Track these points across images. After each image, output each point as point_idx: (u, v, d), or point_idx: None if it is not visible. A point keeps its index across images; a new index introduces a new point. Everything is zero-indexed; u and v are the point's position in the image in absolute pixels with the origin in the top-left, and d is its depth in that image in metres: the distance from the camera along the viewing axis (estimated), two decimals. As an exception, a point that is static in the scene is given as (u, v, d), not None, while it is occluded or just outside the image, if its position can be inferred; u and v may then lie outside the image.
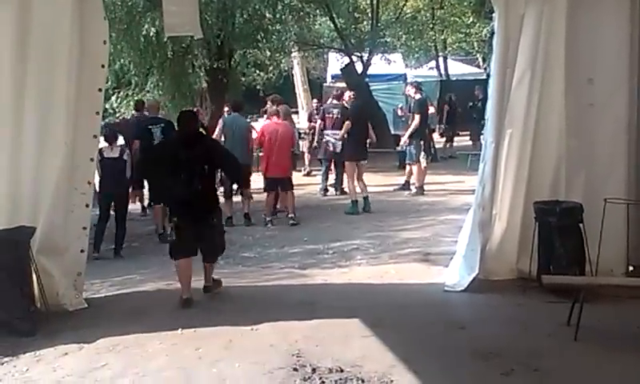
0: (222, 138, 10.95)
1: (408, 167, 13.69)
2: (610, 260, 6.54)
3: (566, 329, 5.59)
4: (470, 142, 18.78)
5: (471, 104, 18.91)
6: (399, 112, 15.55)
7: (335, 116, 12.69)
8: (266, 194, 11.36)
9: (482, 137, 17.11)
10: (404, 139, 13.17)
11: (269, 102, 13.18)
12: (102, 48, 6.60)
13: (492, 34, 7.38)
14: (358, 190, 11.82)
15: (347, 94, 13.56)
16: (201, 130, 8.31)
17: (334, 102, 13.39)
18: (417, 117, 13.02)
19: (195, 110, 13.13)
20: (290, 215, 11.13)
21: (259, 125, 17.60)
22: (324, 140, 13.08)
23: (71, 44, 6.30)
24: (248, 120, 12.40)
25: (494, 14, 7.12)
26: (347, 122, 11.96)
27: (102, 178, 9.36)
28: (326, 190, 13.66)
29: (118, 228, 9.59)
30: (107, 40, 6.64)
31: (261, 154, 11.47)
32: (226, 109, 14.26)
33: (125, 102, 18.71)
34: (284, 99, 13.44)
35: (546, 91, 6.83)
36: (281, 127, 11.41)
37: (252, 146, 11.63)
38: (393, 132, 20.02)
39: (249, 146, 11.31)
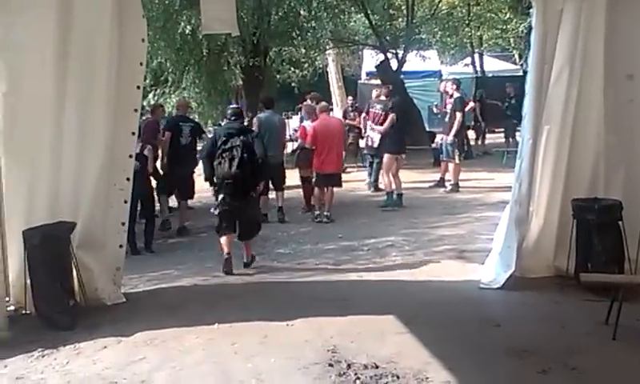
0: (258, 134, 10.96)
1: (443, 164, 13.64)
2: (649, 258, 6.42)
3: (604, 327, 5.52)
4: (504, 140, 18.62)
5: (506, 101, 18.70)
6: (435, 110, 15.45)
7: (378, 111, 12.64)
8: (313, 190, 11.37)
9: (516, 134, 17.17)
10: (450, 137, 13.06)
11: (308, 100, 13.23)
12: (141, 46, 6.70)
13: (529, 29, 7.30)
14: (393, 185, 11.84)
15: (383, 90, 13.55)
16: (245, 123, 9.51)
17: (381, 98, 13.30)
18: (458, 114, 13.02)
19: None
20: (326, 213, 11.16)
21: (294, 122, 17.84)
22: (368, 135, 13.03)
23: (111, 42, 6.40)
24: (282, 117, 12.40)
25: (531, 10, 7.04)
26: (392, 116, 11.98)
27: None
28: (376, 183, 13.44)
29: (147, 224, 9.68)
30: (145, 38, 6.74)
31: (313, 149, 11.20)
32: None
33: (162, 99, 18.92)
34: (322, 96, 13.42)
35: (585, 87, 6.74)
36: (332, 122, 11.59)
37: (285, 143, 11.70)
38: (427, 129, 19.97)
39: (283, 143, 11.33)
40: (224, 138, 7.98)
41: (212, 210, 8.25)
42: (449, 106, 13.40)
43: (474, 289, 6.88)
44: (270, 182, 10.71)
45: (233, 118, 8.46)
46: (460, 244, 9.04)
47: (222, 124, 11.34)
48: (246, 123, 9.90)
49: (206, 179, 8.42)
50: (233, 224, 8.08)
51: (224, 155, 7.84)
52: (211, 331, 5.82)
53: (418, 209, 11.71)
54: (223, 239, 8.05)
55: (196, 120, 11.46)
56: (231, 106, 9.94)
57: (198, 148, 11.03)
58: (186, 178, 10.80)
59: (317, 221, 11.04)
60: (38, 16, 6.23)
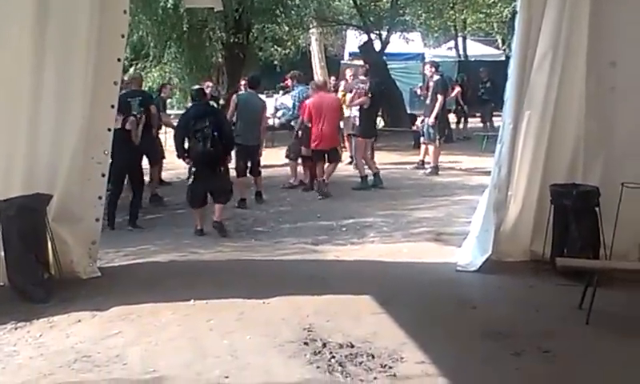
0: (235, 117, 10.66)
1: (423, 146, 13.67)
2: (624, 245, 6.49)
3: (577, 312, 5.58)
4: (481, 124, 18.72)
5: (481, 86, 18.80)
6: (418, 91, 15.44)
7: (361, 91, 12.61)
8: (308, 166, 11.51)
9: (492, 118, 17.25)
10: (431, 120, 13.07)
11: (288, 80, 13.19)
12: (123, 17, 6.60)
13: (513, 14, 7.32)
14: (366, 169, 11.91)
15: (360, 69, 13.58)
16: (211, 102, 10.48)
17: (362, 77, 13.25)
18: (440, 97, 13.04)
19: (205, 85, 13.41)
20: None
21: (274, 101, 17.73)
22: (351, 115, 13.01)
23: (91, 12, 6.29)
24: (263, 98, 12.23)
25: (516, -6, 7.03)
26: (366, 98, 11.97)
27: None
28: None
29: (134, 197, 9.55)
30: (127, 10, 6.64)
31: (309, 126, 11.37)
32: (242, 83, 14.30)
33: (142, 73, 18.72)
34: (302, 74, 13.36)
35: (567, 73, 6.74)
36: (326, 99, 11.59)
37: (265, 126, 11.49)
38: (409, 111, 19.97)
39: (261, 126, 11.05)
40: (193, 120, 8.80)
41: (191, 185, 8.91)
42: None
43: (451, 271, 6.91)
44: (249, 166, 10.66)
45: (197, 99, 9.32)
46: (438, 226, 9.08)
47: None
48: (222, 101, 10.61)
49: (178, 156, 9.17)
50: (204, 197, 8.89)
51: (197, 135, 8.63)
52: (187, 307, 5.80)
53: (398, 190, 11.74)
54: (197, 211, 8.92)
55: (148, 93, 11.20)
56: (194, 88, 10.37)
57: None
58: (148, 146, 10.64)
59: (319, 198, 11.07)
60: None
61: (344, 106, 12.59)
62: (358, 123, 12.32)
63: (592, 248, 6.43)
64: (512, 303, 5.99)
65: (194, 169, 8.86)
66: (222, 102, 14.95)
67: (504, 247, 6.96)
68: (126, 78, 12.16)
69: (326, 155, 11.46)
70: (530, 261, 6.97)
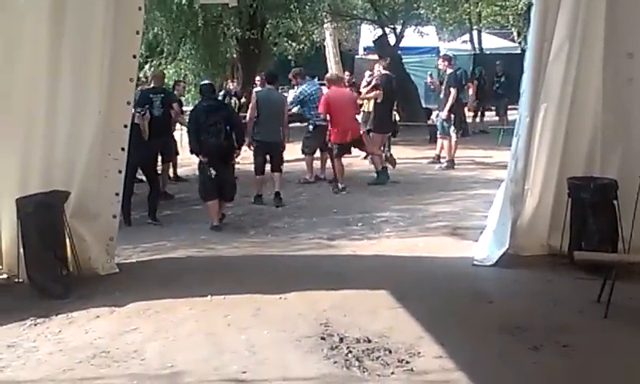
0: (256, 113, 10.51)
1: (439, 141, 13.62)
2: (643, 238, 6.44)
3: (596, 306, 5.54)
4: (497, 118, 18.63)
5: (496, 80, 18.72)
6: (428, 80, 15.37)
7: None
8: (331, 161, 11.49)
9: (508, 112, 17.14)
10: (443, 114, 13.03)
11: (291, 77, 13.20)
12: (138, 14, 6.62)
13: (529, 6, 7.26)
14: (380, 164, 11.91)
15: (382, 63, 13.56)
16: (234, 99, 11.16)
17: (383, 72, 13.21)
18: (453, 90, 12.98)
19: (228, 82, 13.56)
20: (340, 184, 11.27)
21: (289, 96, 17.73)
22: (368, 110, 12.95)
23: (107, 9, 6.32)
24: (283, 94, 12.20)
25: (531, -14, 6.98)
26: (379, 91, 11.93)
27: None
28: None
29: (151, 191, 9.59)
30: (142, 6, 6.66)
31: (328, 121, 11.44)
32: (257, 79, 14.33)
33: (158, 70, 18.78)
34: (304, 72, 13.34)
35: (584, 65, 6.68)
36: (344, 93, 11.72)
37: (287, 121, 11.37)
38: (424, 105, 19.90)
39: (283, 121, 10.92)
40: (205, 115, 8.95)
41: (207, 180, 8.98)
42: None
43: (468, 265, 6.88)
44: (270, 161, 10.60)
45: (207, 95, 9.43)
46: (454, 221, 9.04)
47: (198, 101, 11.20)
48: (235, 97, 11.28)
49: (191, 152, 9.31)
50: (217, 190, 9.00)
51: (210, 130, 8.82)
52: (204, 303, 5.83)
53: (413, 185, 11.71)
54: (212, 203, 9.03)
55: (168, 90, 11.30)
56: (203, 83, 10.27)
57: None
58: (163, 143, 10.73)
59: (343, 193, 11.07)
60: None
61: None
62: (372, 118, 12.32)
63: (610, 241, 6.38)
64: (529, 297, 5.96)
65: (206, 163, 8.92)
66: (243, 100, 14.96)
67: (521, 241, 6.92)
68: (148, 75, 12.30)
69: (352, 146, 11.57)
70: (548, 255, 6.93)
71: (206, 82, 10.59)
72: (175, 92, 13.08)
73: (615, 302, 5.36)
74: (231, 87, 15.48)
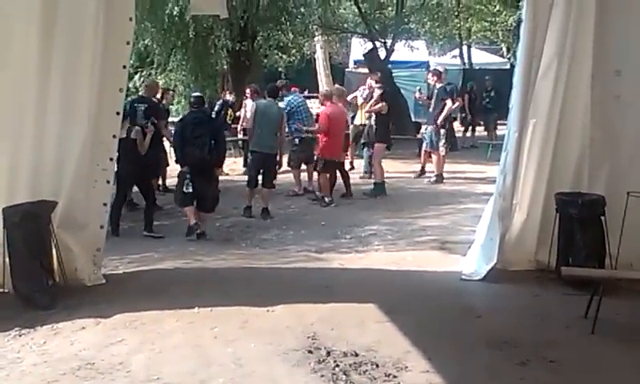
0: (253, 124, 10.58)
1: (424, 154, 13.68)
2: (630, 254, 6.45)
3: (583, 321, 5.55)
4: (486, 133, 18.75)
5: (485, 95, 18.85)
6: (417, 95, 15.46)
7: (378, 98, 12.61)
8: (320, 176, 11.45)
9: (497, 127, 17.24)
10: (439, 122, 13.12)
11: (281, 90, 13.25)
12: (128, 25, 6.60)
13: (518, 22, 7.31)
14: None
15: (373, 77, 13.65)
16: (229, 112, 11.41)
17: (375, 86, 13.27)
18: (449, 102, 13.20)
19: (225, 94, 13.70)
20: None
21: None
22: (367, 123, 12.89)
23: (97, 19, 6.30)
24: (281, 108, 12.21)
25: (521, 3, 7.03)
26: (384, 104, 12.06)
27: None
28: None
29: (146, 205, 9.59)
30: (133, 17, 6.64)
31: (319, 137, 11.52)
32: (248, 91, 14.34)
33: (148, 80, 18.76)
34: (288, 84, 13.42)
35: (572, 82, 6.75)
36: (340, 110, 11.75)
37: (283, 135, 11.38)
38: (413, 119, 19.97)
39: (281, 135, 10.99)
40: (192, 127, 9.06)
41: (184, 190, 9.06)
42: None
43: (456, 280, 6.88)
44: (262, 174, 10.57)
45: (196, 107, 9.56)
46: (443, 235, 9.06)
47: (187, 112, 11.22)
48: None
49: (176, 162, 9.44)
50: (194, 200, 9.10)
51: (195, 142, 8.93)
52: (191, 315, 5.79)
53: (402, 199, 11.74)
54: (189, 209, 9.12)
55: (155, 100, 11.20)
56: (193, 95, 10.39)
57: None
58: (156, 155, 10.66)
59: (326, 206, 11.11)
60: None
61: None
62: (374, 130, 12.30)
63: (597, 257, 6.42)
64: (517, 312, 5.97)
65: (187, 174, 9.00)
66: (239, 114, 14.97)
67: (509, 256, 6.94)
68: (138, 85, 12.27)
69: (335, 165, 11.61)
70: (536, 270, 6.95)
71: (197, 94, 10.62)
72: (164, 101, 12.97)
73: (602, 318, 5.37)
74: (229, 98, 15.56)
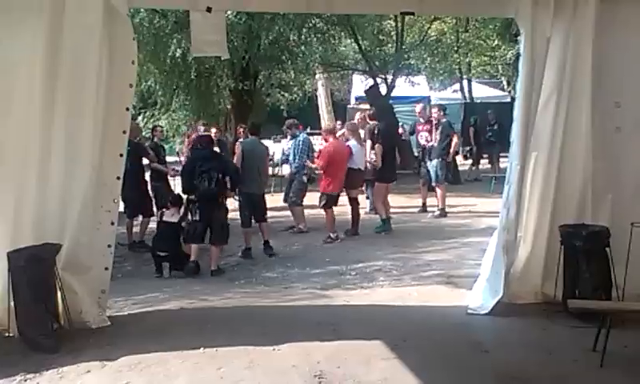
0: (241, 163, 10.55)
1: (423, 189, 13.70)
2: (637, 285, 6.42)
3: (591, 354, 5.51)
4: (489, 165, 18.81)
5: (488, 128, 18.98)
6: (400, 130, 15.68)
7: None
8: (326, 212, 11.52)
9: (500, 160, 17.33)
10: (449, 158, 13.24)
11: (286, 128, 13.38)
12: (131, 68, 6.67)
13: (517, 56, 7.38)
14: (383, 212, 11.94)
15: (358, 116, 13.78)
16: (216, 148, 11.58)
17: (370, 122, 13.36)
18: (455, 138, 13.45)
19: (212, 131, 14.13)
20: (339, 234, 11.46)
21: (282, 145, 17.91)
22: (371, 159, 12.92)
23: (100, 63, 6.37)
24: (265, 146, 12.28)
25: (519, 37, 7.10)
26: (378, 146, 12.00)
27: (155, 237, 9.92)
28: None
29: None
30: (135, 60, 6.71)
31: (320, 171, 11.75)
32: (241, 130, 14.42)
33: (151, 121, 18.93)
34: (299, 122, 13.51)
35: (573, 114, 6.78)
36: (341, 146, 11.89)
37: (267, 171, 11.61)
38: (416, 154, 20.01)
39: (265, 172, 11.12)
40: (200, 162, 9.68)
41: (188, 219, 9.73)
42: (424, 133, 13.61)
43: (462, 314, 6.85)
44: (252, 216, 10.60)
45: (203, 145, 10.25)
46: (448, 269, 9.03)
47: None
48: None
49: (184, 192, 10.05)
50: (204, 234, 9.69)
51: (203, 176, 9.51)
52: (197, 356, 5.76)
53: (406, 234, 11.73)
54: (193, 247, 9.56)
55: (137, 141, 11.38)
56: (201, 135, 11.54)
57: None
58: (137, 197, 10.84)
59: (337, 242, 11.19)
60: (27, 34, 6.21)
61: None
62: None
63: (604, 289, 6.38)
64: (524, 346, 5.93)
65: (195, 204, 9.67)
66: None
67: (515, 289, 6.91)
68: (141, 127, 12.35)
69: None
70: (542, 303, 6.92)
71: (204, 133, 10.82)
72: (155, 138, 12.94)
73: (611, 351, 5.33)
74: (214, 135, 15.26)
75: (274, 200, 12.70)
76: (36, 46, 6.22)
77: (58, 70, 6.28)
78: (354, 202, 11.93)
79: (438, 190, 13.30)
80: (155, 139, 13.00)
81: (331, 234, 11.30)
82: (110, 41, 6.43)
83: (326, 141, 12.02)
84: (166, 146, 14.65)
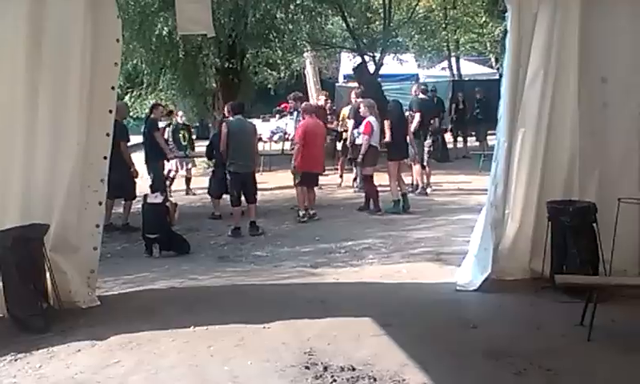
0: (225, 144, 10.54)
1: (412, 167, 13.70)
2: (623, 260, 6.49)
3: (579, 329, 5.57)
4: (477, 143, 18.84)
5: (477, 105, 18.99)
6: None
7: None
8: (297, 189, 11.51)
9: (488, 137, 17.38)
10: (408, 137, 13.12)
11: (290, 101, 13.31)
12: (115, 46, 6.62)
13: (505, 33, 7.36)
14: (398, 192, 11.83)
15: (355, 91, 13.72)
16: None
17: (358, 100, 13.32)
18: (417, 115, 13.26)
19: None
20: (312, 211, 11.39)
21: (271, 125, 17.87)
22: (355, 141, 12.73)
23: (84, 42, 6.32)
24: (253, 123, 12.14)
25: (506, 13, 7.09)
26: (388, 122, 11.95)
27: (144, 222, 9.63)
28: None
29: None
30: (120, 38, 6.66)
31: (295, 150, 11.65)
32: (226, 110, 14.31)
33: (138, 101, 18.80)
34: (303, 96, 13.42)
35: (559, 90, 6.79)
36: (319, 124, 11.86)
37: (257, 151, 11.47)
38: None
39: (254, 151, 11.04)
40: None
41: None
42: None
43: (451, 291, 6.89)
44: (244, 192, 10.58)
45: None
46: (437, 246, 9.08)
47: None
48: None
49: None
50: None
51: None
52: (187, 334, 5.77)
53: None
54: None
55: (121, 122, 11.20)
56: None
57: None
58: (119, 179, 10.61)
59: (303, 221, 11.10)
60: (9, 14, 6.15)
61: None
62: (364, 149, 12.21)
63: (591, 264, 6.43)
64: (513, 322, 5.98)
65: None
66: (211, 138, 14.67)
67: (503, 265, 6.96)
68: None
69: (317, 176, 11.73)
70: (530, 278, 6.97)
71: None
72: (152, 115, 12.56)
73: (598, 325, 5.39)
74: (179, 120, 14.84)
75: (264, 179, 12.64)
76: (19, 26, 6.17)
77: (42, 50, 6.24)
78: (368, 180, 11.85)
79: (415, 167, 13.24)
80: (153, 116, 12.49)
81: (300, 212, 11.26)
82: (93, 19, 6.38)
83: (303, 119, 11.90)
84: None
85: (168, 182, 13.33)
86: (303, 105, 12.42)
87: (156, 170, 12.01)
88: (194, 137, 15.43)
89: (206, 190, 12.54)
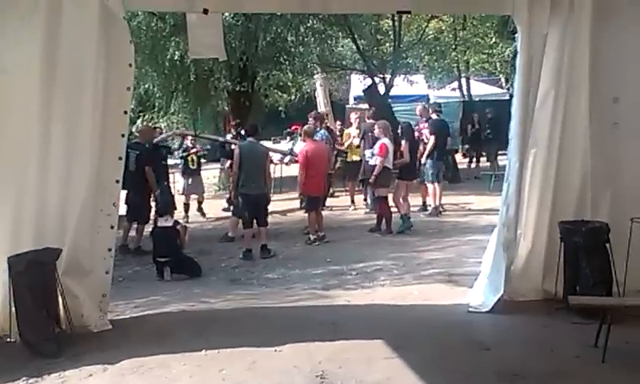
0: (238, 167, 10.59)
1: (422, 187, 13.67)
2: (637, 280, 6.41)
3: (593, 350, 5.51)
4: (488, 163, 18.84)
5: (487, 126, 19.01)
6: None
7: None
8: (307, 213, 11.58)
9: (498, 157, 17.37)
10: (423, 159, 13.14)
11: (310, 119, 13.35)
12: (128, 71, 6.67)
13: (515, 53, 7.37)
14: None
15: (368, 113, 13.78)
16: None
17: (370, 121, 13.40)
18: (432, 137, 13.25)
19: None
20: (321, 234, 11.36)
21: (282, 146, 17.94)
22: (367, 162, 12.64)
23: (97, 66, 6.37)
24: (265, 147, 12.18)
25: (516, 34, 7.11)
26: (406, 143, 12.09)
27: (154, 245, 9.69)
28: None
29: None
30: (133, 63, 6.71)
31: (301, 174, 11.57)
32: (232, 132, 14.34)
33: (150, 124, 18.88)
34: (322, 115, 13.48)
35: (571, 110, 6.78)
36: (321, 147, 11.96)
37: (269, 173, 11.39)
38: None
39: (266, 174, 10.96)
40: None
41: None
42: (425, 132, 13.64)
43: (463, 312, 6.85)
44: (253, 217, 10.58)
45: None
46: (448, 267, 9.04)
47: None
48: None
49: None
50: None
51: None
52: (199, 358, 5.76)
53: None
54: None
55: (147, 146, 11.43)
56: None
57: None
58: (137, 203, 10.76)
59: (315, 244, 11.09)
60: (24, 38, 6.21)
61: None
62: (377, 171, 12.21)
63: (604, 285, 6.38)
64: (526, 343, 5.93)
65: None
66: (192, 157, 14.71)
67: (516, 286, 6.91)
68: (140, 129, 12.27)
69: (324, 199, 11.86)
70: (543, 299, 6.91)
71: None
72: (186, 142, 12.83)
73: (612, 346, 5.33)
74: (189, 144, 14.83)
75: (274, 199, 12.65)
76: (33, 51, 6.22)
77: (56, 75, 6.28)
78: (382, 201, 11.84)
79: (430, 188, 13.27)
80: (189, 143, 13.00)
81: (311, 236, 11.26)
82: (106, 44, 6.43)
83: (304, 142, 11.90)
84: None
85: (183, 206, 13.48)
86: (305, 127, 12.38)
87: (161, 193, 12.06)
88: (203, 160, 15.44)
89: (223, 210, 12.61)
